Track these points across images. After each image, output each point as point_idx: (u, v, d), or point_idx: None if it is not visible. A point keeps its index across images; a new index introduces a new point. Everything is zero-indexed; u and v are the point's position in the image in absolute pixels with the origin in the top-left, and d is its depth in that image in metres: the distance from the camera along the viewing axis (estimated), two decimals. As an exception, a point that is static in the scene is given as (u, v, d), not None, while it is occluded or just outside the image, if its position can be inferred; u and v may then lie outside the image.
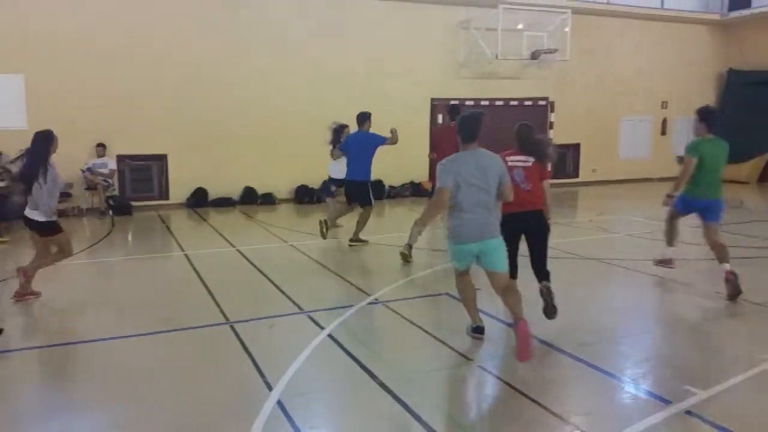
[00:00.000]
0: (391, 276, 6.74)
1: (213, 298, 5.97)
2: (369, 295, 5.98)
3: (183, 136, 12.09)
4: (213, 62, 12.28)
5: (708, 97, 17.73)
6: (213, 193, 12.76)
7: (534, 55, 14.37)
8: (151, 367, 4.35)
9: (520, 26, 14.30)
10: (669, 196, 6.21)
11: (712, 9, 17.19)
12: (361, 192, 8.29)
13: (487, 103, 15.06)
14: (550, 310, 4.95)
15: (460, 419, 3.62)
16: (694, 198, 6.10)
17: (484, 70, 14.56)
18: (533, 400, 3.70)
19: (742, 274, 7.12)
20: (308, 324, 5.13)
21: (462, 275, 4.70)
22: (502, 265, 4.48)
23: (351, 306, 5.59)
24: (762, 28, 16.65)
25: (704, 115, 6.08)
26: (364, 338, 4.83)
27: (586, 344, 4.64)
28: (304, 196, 13.31)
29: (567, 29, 14.23)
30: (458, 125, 4.53)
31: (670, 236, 6.63)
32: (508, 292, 4.46)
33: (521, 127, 5.32)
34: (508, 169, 4.74)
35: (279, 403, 3.63)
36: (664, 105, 16.55)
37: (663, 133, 16.52)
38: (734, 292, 5.74)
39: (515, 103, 15.42)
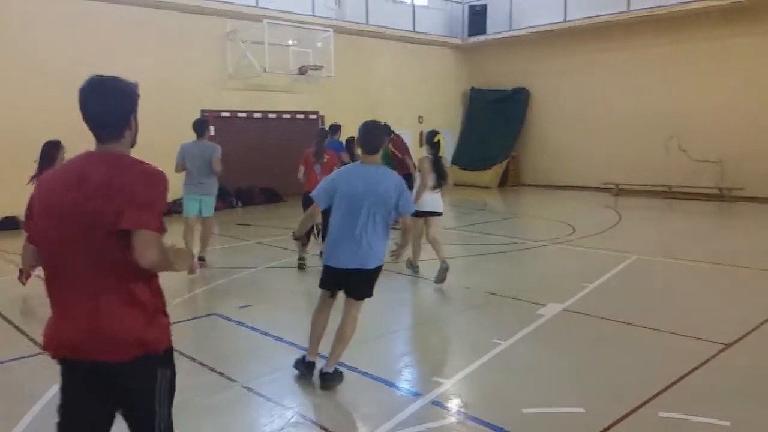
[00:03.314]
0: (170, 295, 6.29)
1: (-75, 349, 4.98)
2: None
3: None
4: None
5: (456, 112, 20.00)
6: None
7: (301, 71, 14.72)
8: None
9: (290, 42, 14.56)
10: None
11: (455, 34, 19.42)
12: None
13: (260, 115, 15.07)
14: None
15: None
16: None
17: (254, 83, 14.52)
18: (292, 409, 3.76)
19: (486, 267, 8.11)
20: (52, 365, 4.54)
21: (188, 221, 7.57)
22: (210, 212, 7.66)
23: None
24: (495, 51, 19.26)
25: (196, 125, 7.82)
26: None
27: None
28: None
29: (331, 47, 14.86)
30: (194, 126, 7.60)
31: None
32: (205, 230, 7.81)
33: (319, 131, 8.09)
34: (311, 163, 7.72)
35: (7, 463, 3.15)
36: (420, 119, 18.19)
37: (421, 144, 18.10)
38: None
39: (288, 116, 15.65)
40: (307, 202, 7.31)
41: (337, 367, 4.16)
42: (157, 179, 2.14)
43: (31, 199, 2.28)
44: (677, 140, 15.42)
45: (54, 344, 2.16)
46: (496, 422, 3.58)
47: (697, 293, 6.69)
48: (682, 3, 14.63)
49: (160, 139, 13.18)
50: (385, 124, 10.62)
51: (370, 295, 4.15)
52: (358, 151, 4.29)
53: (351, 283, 4.07)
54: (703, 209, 13.58)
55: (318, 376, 4.13)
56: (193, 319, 5.92)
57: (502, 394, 4.10)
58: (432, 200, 7.01)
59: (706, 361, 4.48)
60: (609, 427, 3.50)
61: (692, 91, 15.09)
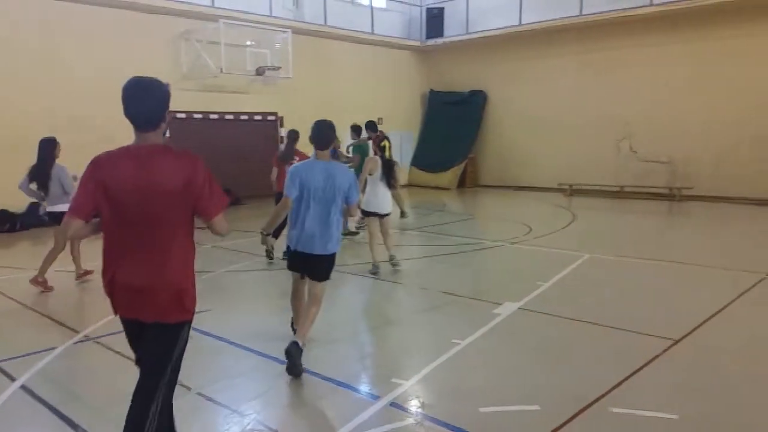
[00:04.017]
0: (105, 308, 6.10)
1: None
2: (78, 333, 5.35)
3: None
4: None
5: (415, 114, 20.10)
6: None
7: (259, 72, 14.56)
8: None
9: (248, 42, 14.37)
10: None
11: (413, 36, 19.53)
12: None
13: (216, 116, 14.84)
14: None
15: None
16: None
17: (210, 84, 14.29)
18: (249, 416, 3.71)
19: (444, 268, 8.18)
20: (-6, 376, 4.38)
21: None
22: None
23: (54, 348, 4.94)
24: (452, 55, 19.46)
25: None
26: (66, 384, 4.29)
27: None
28: (3, 222, 11.42)
29: (289, 48, 14.74)
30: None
31: None
32: None
33: (288, 134, 8.51)
34: (282, 165, 8.01)
35: (-55, 482, 3.01)
36: (380, 121, 18.18)
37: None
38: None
39: (245, 117, 15.45)
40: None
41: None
42: (205, 166, 2.66)
43: (87, 179, 2.59)
44: (628, 142, 15.88)
45: (116, 304, 2.80)
46: (453, 422, 3.61)
47: (647, 290, 6.88)
48: (633, 8, 15.06)
49: (114, 138, 12.86)
50: (371, 121, 10.74)
51: (328, 277, 4.63)
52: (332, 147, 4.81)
53: (314, 266, 4.54)
54: (653, 209, 14.00)
55: (289, 344, 4.35)
56: (147, 325, 5.77)
57: (459, 393, 4.12)
58: (382, 201, 7.69)
59: (656, 357, 4.62)
60: (563, 424, 3.56)
61: (643, 94, 15.56)
